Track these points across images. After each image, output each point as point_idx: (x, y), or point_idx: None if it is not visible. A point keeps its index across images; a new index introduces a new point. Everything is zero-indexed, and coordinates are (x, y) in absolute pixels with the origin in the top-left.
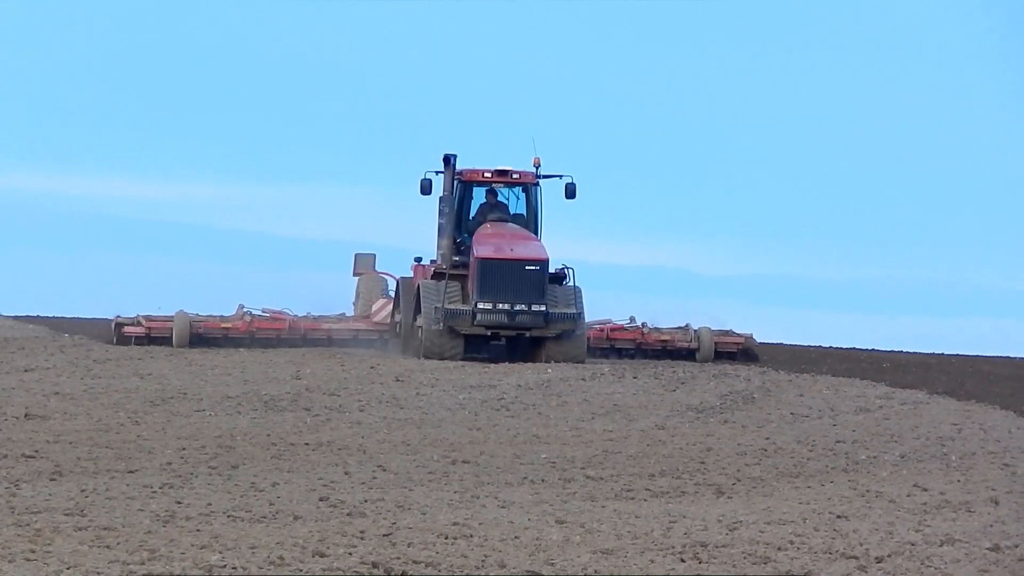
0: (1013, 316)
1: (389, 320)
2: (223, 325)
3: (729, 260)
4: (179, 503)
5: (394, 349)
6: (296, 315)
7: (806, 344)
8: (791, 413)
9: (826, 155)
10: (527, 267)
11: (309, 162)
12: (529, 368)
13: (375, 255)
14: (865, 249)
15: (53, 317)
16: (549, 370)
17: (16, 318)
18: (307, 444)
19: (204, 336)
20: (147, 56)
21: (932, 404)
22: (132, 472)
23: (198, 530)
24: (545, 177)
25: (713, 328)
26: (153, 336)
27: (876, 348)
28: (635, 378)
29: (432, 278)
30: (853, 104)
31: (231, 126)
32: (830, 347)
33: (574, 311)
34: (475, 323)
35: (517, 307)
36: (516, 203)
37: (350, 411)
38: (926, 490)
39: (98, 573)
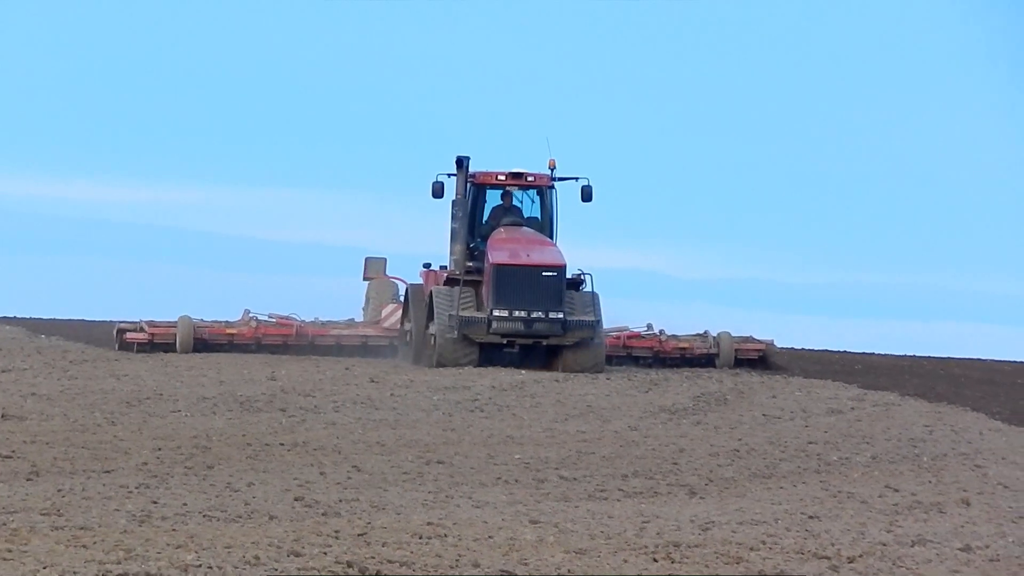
0: (983, 320)
1: (399, 326)
2: (228, 331)
3: (702, 264)
4: (155, 503)
5: (404, 357)
6: (303, 321)
7: (778, 347)
8: (763, 415)
9: (796, 160)
10: (544, 273)
11: (314, 167)
12: (503, 370)
13: (386, 259)
14: (836, 254)
15: (30, 319)
16: (523, 372)
17: None
18: (282, 444)
19: (209, 342)
20: (147, 58)
21: (904, 406)
22: (108, 472)
23: (174, 530)
24: (561, 179)
25: (733, 335)
26: (156, 342)
27: (848, 350)
28: (608, 379)
29: (445, 284)
30: (821, 111)
31: (230, 130)
32: (802, 349)
33: (593, 318)
34: (491, 331)
35: (534, 315)
36: (531, 206)
37: (325, 412)
38: (897, 491)
39: (74, 573)
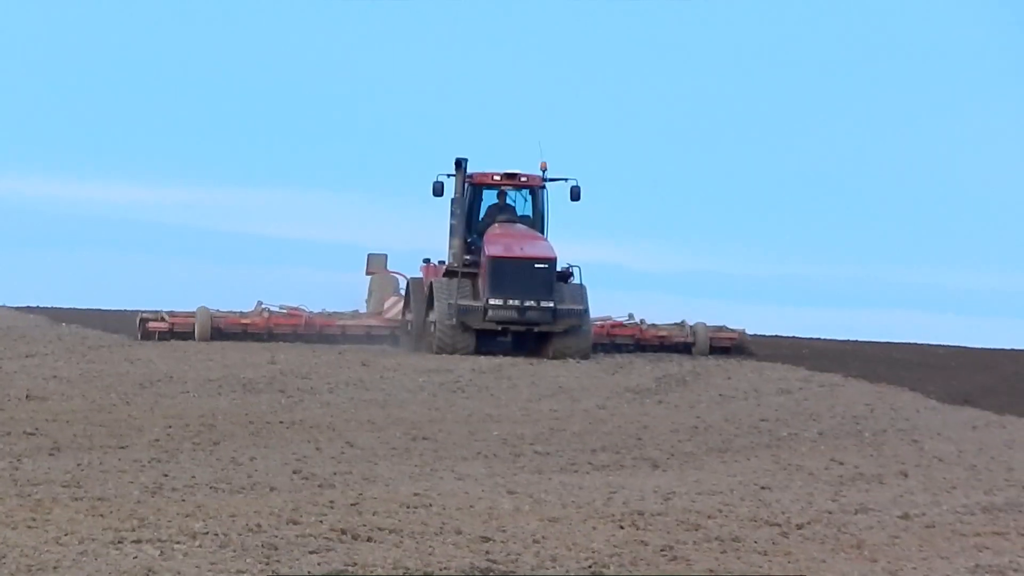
0: (920, 308)
1: (400, 317)
2: (242, 321)
3: (661, 256)
4: (166, 476)
5: (405, 345)
6: (311, 312)
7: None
8: (719, 394)
9: (749, 155)
10: (536, 265)
11: (316, 168)
12: (483, 355)
13: (387, 255)
14: (783, 247)
15: (52, 308)
16: (499, 356)
17: (18, 309)
18: (282, 422)
19: (224, 331)
20: (155, 64)
21: (847, 386)
22: (123, 448)
23: (183, 500)
24: (552, 180)
25: (708, 324)
26: (176, 331)
27: (797, 336)
28: (578, 363)
29: (444, 276)
30: (773, 106)
31: (227, 129)
32: (755, 335)
33: (581, 307)
34: (486, 319)
35: (527, 303)
36: (524, 205)
37: (320, 393)
38: (842, 464)
39: (93, 539)
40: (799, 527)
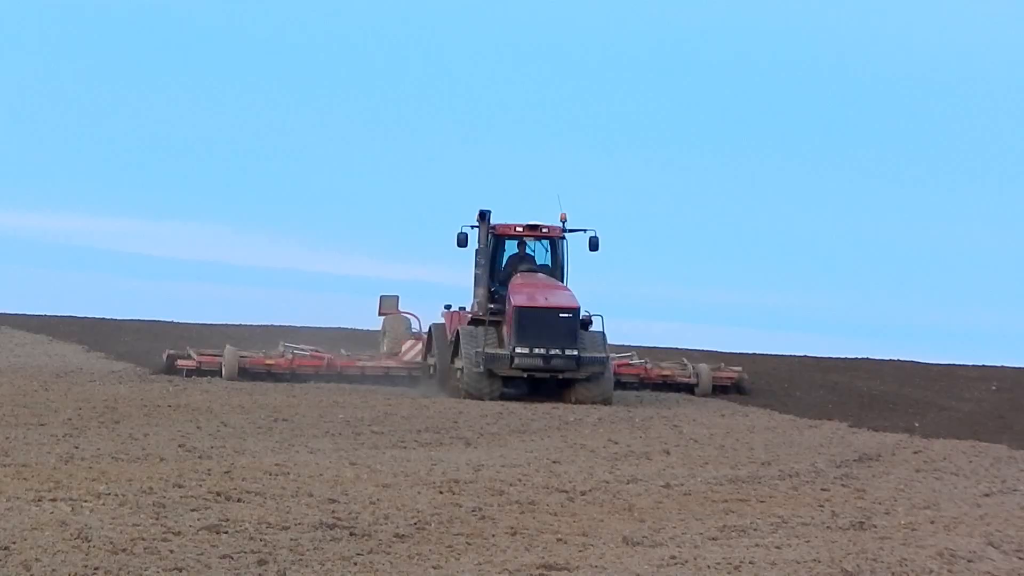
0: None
1: (419, 359)
2: (267, 361)
3: None
4: (76, 448)
5: (428, 388)
6: (332, 354)
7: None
8: None
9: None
10: (561, 315)
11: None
12: None
13: (398, 296)
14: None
15: None
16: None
17: None
18: (170, 406)
19: (250, 371)
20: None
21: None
22: (42, 425)
23: (90, 467)
24: (571, 231)
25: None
26: (203, 369)
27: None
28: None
29: (469, 324)
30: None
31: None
32: None
33: (603, 355)
34: (513, 366)
35: (552, 351)
36: (544, 255)
37: (201, 383)
38: (617, 443)
39: (17, 498)
40: (583, 493)
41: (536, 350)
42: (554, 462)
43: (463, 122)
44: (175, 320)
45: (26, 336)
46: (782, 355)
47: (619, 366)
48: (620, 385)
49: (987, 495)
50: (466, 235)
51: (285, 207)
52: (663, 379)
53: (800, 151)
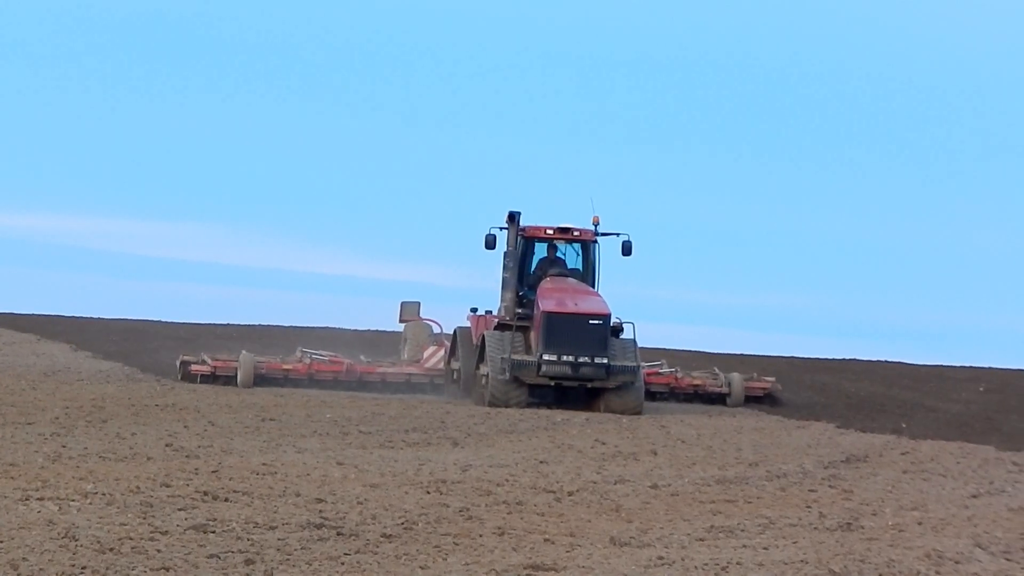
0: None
1: (442, 366)
2: (284, 367)
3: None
4: (64, 447)
5: (452, 395)
6: (351, 360)
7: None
8: None
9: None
10: (591, 321)
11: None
12: None
13: (420, 303)
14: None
15: None
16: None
17: None
18: (157, 405)
19: (266, 376)
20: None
21: None
22: (30, 424)
23: (78, 466)
24: (604, 235)
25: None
26: (218, 375)
27: None
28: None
29: (496, 329)
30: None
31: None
32: None
33: (633, 364)
34: (540, 374)
35: (581, 359)
36: (575, 259)
37: (188, 382)
38: (604, 444)
39: (4, 497)
40: (570, 493)
41: (564, 357)
42: (542, 462)
43: (493, 119)
44: (163, 320)
45: (14, 335)
46: (770, 356)
47: (648, 375)
48: (649, 395)
49: (975, 496)
50: (495, 237)
51: (293, 208)
52: (694, 389)
53: (786, 151)
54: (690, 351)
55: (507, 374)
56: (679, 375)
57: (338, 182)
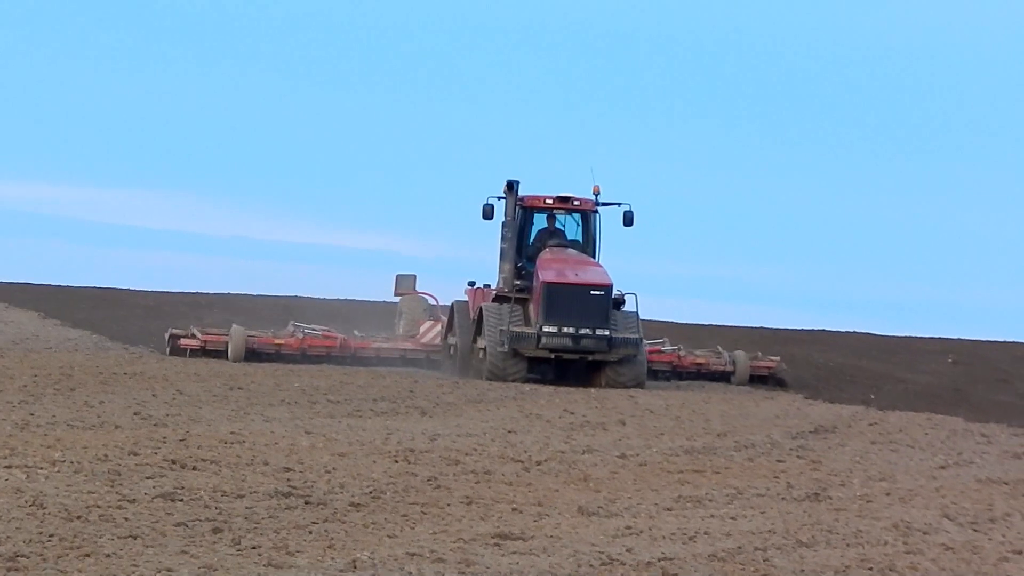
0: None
1: (438, 341)
2: (276, 341)
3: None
4: (32, 415)
5: (448, 370)
6: (344, 336)
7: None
8: None
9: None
10: (592, 292)
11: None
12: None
13: (415, 276)
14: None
15: None
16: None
17: None
18: (126, 374)
19: (258, 351)
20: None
21: None
22: None
23: (45, 434)
24: (604, 204)
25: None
26: (208, 349)
27: None
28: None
29: (494, 301)
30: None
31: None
32: None
33: (636, 336)
34: (540, 346)
35: (582, 331)
36: (575, 229)
37: (157, 350)
38: (573, 414)
39: None
40: (538, 463)
41: (565, 329)
42: (510, 432)
43: (491, 85)
44: (132, 287)
45: None
46: (738, 326)
47: (650, 353)
48: (651, 374)
49: (943, 467)
50: (492, 207)
51: (277, 180)
52: (697, 367)
53: (755, 123)
54: (657, 321)
55: (506, 346)
56: (682, 353)
57: (320, 151)
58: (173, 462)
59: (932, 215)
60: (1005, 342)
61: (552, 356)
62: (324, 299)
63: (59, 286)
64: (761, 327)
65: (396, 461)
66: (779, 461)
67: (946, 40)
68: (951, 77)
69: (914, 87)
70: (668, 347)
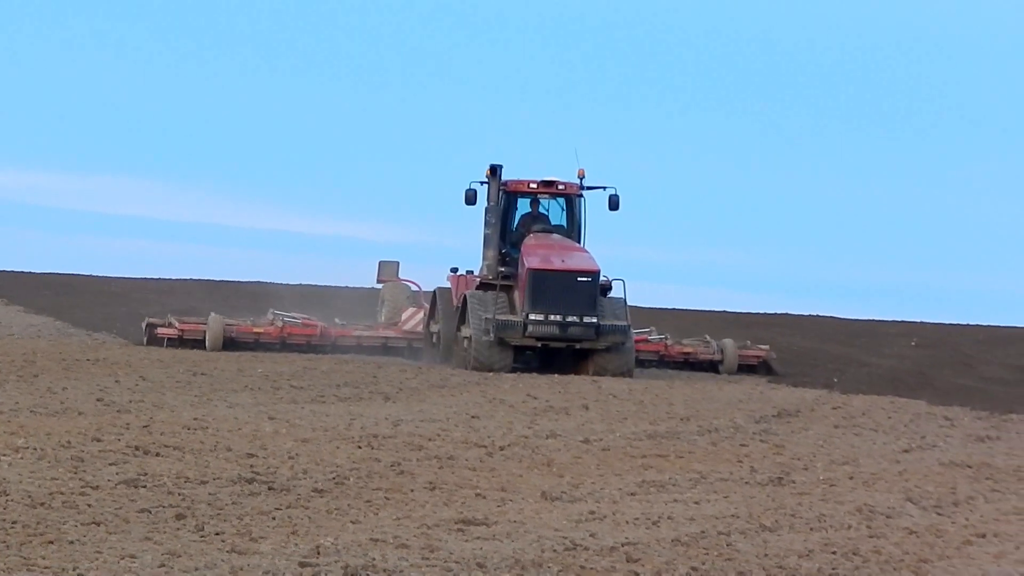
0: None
1: (421, 329)
2: (255, 330)
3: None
4: None
5: (430, 358)
6: (324, 324)
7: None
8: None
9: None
10: (579, 278)
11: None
12: None
13: (398, 263)
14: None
15: None
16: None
17: None
18: (89, 360)
19: (236, 340)
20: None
21: None
22: None
23: (8, 421)
24: (589, 188)
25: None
26: (185, 338)
27: None
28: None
29: (478, 288)
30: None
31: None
32: None
33: (624, 323)
34: (526, 334)
35: (569, 319)
36: (560, 214)
37: (120, 337)
38: (536, 399)
39: None
40: (502, 448)
41: (552, 317)
42: (473, 417)
43: (470, 70)
44: (95, 274)
45: None
46: (701, 310)
47: (637, 342)
48: (638, 363)
49: (906, 451)
50: (475, 192)
51: (254, 167)
52: (684, 357)
53: (722, 107)
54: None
55: (491, 335)
56: (669, 342)
57: (298, 137)
58: (136, 448)
59: (896, 199)
60: (968, 325)
61: (539, 344)
62: (300, 284)
63: (21, 272)
64: (724, 311)
65: (359, 447)
66: (743, 445)
67: (913, 22)
68: (910, 59)
69: (873, 68)
70: (655, 336)
